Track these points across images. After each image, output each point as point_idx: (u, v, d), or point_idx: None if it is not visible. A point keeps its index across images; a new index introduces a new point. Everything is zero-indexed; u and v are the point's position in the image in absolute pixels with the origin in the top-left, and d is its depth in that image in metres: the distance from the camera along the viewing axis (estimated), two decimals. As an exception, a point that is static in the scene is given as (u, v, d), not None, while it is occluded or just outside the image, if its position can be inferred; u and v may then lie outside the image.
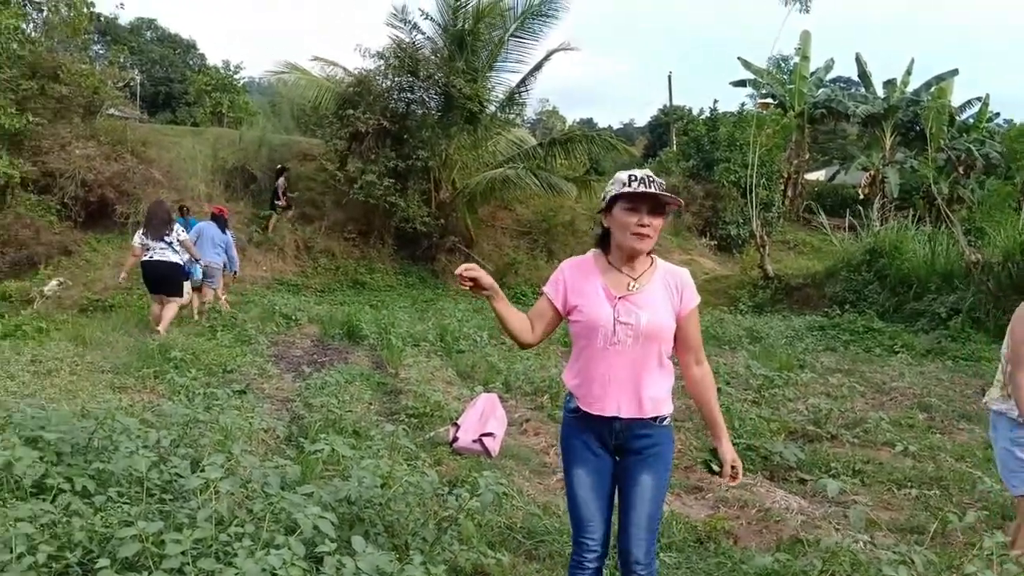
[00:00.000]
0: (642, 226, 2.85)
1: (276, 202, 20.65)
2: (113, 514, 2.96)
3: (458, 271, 2.86)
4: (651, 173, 2.90)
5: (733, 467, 3.03)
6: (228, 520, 2.90)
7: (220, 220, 12.70)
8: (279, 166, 21.23)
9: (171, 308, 10.52)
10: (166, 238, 10.37)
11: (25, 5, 18.78)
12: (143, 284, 11.24)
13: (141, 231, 10.52)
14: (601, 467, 2.97)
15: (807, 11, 19.48)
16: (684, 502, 5.23)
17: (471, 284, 2.84)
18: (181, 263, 10.62)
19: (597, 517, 2.97)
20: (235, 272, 13.45)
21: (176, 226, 10.71)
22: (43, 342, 9.54)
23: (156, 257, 10.34)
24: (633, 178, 2.86)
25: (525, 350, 3.04)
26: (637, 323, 2.87)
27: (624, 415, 2.90)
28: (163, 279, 10.47)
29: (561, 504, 4.88)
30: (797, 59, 29.62)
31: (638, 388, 2.90)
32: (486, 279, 2.85)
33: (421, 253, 20.88)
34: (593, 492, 2.96)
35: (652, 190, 2.83)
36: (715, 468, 3.13)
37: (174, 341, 9.37)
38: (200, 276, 12.01)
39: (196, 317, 12.03)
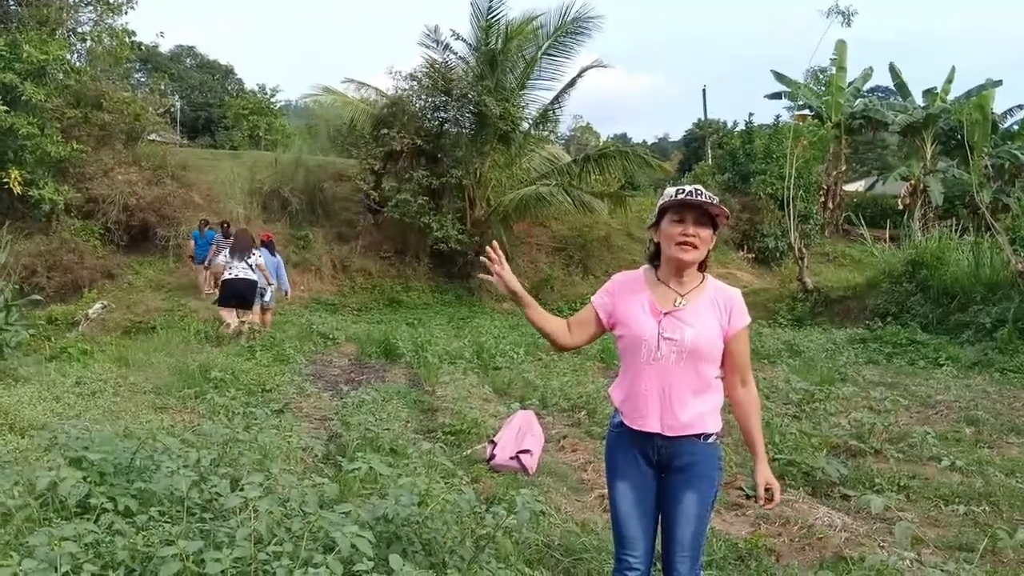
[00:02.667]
0: (686, 235, 2.84)
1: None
2: (154, 533, 2.99)
3: (486, 255, 2.99)
4: (700, 187, 2.90)
5: (767, 489, 2.97)
6: (267, 539, 2.91)
7: (268, 245, 13.53)
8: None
9: (248, 316, 12.00)
10: (247, 260, 11.76)
11: (70, 36, 19.27)
12: (182, 306, 12.86)
13: (226, 252, 12.04)
14: (644, 483, 2.94)
15: (849, 24, 19.20)
16: (725, 519, 5.15)
17: (500, 275, 2.97)
18: (257, 281, 11.99)
19: (639, 534, 2.93)
20: (286, 292, 14.31)
21: (255, 251, 12.08)
22: (88, 364, 9.72)
23: (239, 275, 11.73)
24: (680, 190, 2.88)
25: (560, 353, 3.10)
26: (682, 339, 2.85)
27: (667, 432, 2.87)
28: (240, 294, 11.85)
29: (599, 521, 4.84)
30: (832, 69, 29.31)
31: (681, 405, 2.87)
32: (513, 283, 2.99)
33: (457, 271, 20.96)
34: (636, 508, 2.93)
35: (691, 198, 2.83)
36: (748, 492, 3.09)
37: (214, 361, 9.50)
38: (270, 299, 13.16)
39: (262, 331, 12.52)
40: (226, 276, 11.84)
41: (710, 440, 2.93)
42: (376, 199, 20.58)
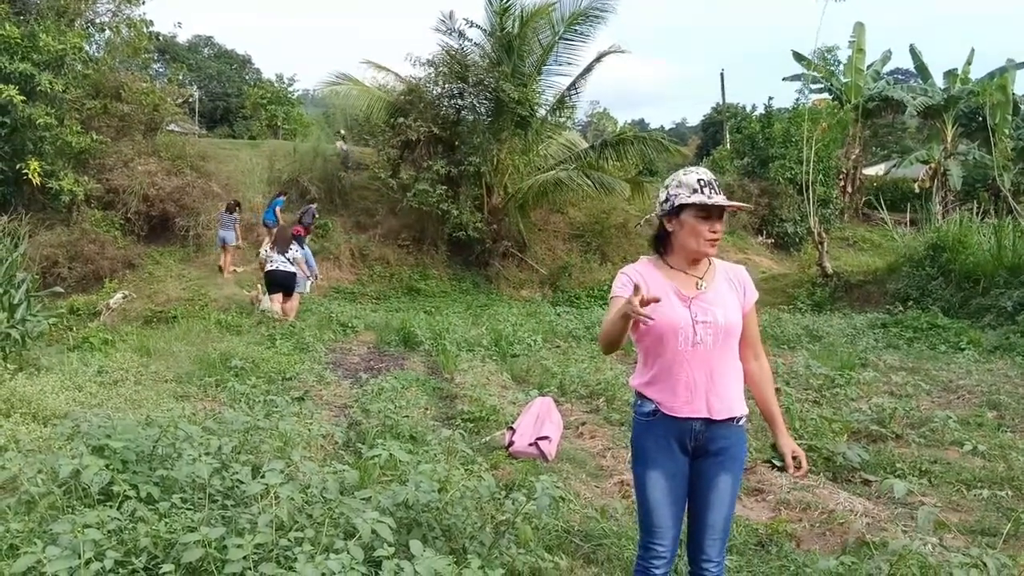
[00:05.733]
0: (715, 232, 2.86)
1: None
2: (177, 520, 3.01)
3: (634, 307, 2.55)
4: (710, 173, 2.91)
5: (795, 458, 2.98)
6: (288, 525, 2.93)
7: (297, 239, 14.26)
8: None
9: (288, 304, 13.29)
10: (286, 254, 13.04)
11: (88, 27, 19.35)
12: (202, 296, 14.43)
13: (268, 245, 13.48)
14: (676, 471, 2.92)
15: None
16: (745, 504, 5.14)
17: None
18: (294, 272, 13.28)
19: (669, 522, 2.92)
20: (316, 276, 15.78)
21: (294, 245, 13.45)
22: (109, 353, 9.80)
23: (278, 267, 12.98)
24: (702, 182, 2.84)
25: (610, 354, 3.05)
26: (715, 321, 2.85)
27: (715, 416, 2.86)
28: (279, 283, 13.18)
29: (619, 507, 4.84)
30: (851, 51, 28.94)
31: (726, 387, 2.88)
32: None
33: (474, 259, 20.94)
34: (668, 496, 2.91)
35: (724, 201, 2.83)
36: (777, 464, 3.08)
37: (235, 350, 9.56)
38: (307, 289, 14.81)
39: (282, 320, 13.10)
40: (268, 268, 13.07)
41: (741, 422, 2.95)
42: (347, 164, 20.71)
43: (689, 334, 2.85)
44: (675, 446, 2.91)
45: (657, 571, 2.91)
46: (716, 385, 2.86)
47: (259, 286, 14.36)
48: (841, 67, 29.85)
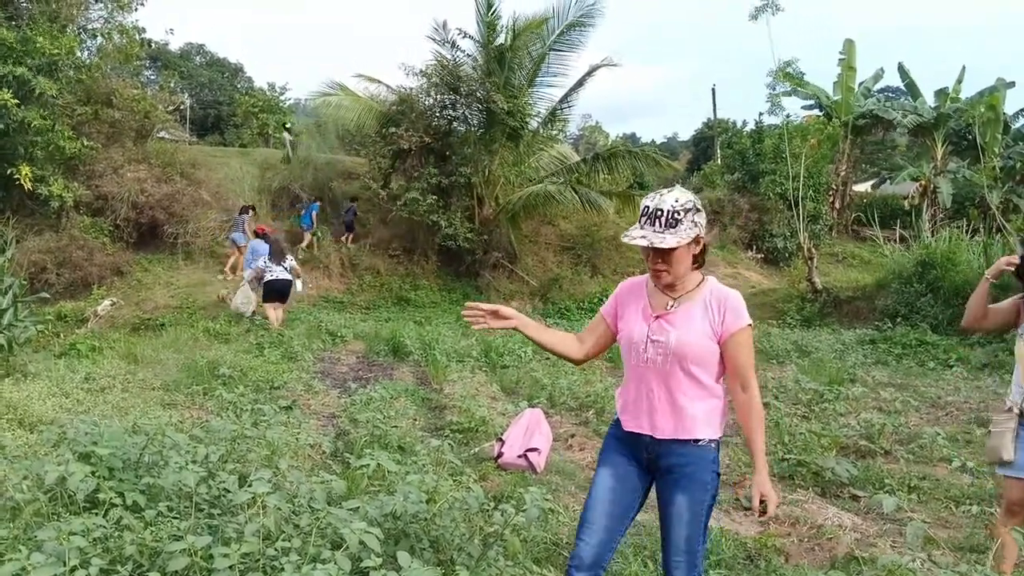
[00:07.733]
0: (654, 268, 2.86)
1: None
2: (163, 528, 2.99)
3: (464, 313, 3.05)
4: (666, 202, 2.77)
5: (762, 502, 2.84)
6: (275, 535, 2.91)
7: (266, 238, 14.36)
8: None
9: (280, 311, 13.69)
10: (283, 263, 13.46)
11: (80, 33, 19.30)
12: (190, 304, 14.46)
13: (266, 257, 13.64)
14: (627, 477, 2.95)
15: (780, 9, 19.49)
16: (733, 519, 5.13)
17: (490, 319, 3.00)
18: (291, 281, 13.70)
19: (601, 521, 2.91)
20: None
21: (288, 256, 13.91)
22: (96, 360, 9.75)
23: (279, 276, 13.37)
24: (647, 210, 2.79)
25: (579, 365, 3.17)
26: (667, 341, 2.85)
27: (656, 435, 2.88)
28: (281, 292, 13.54)
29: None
30: (841, 69, 29.11)
31: (671, 407, 2.86)
32: (505, 310, 2.99)
33: (465, 269, 20.93)
34: (609, 494, 2.93)
35: (644, 242, 2.76)
36: (745, 504, 3.05)
37: (222, 358, 9.51)
38: (300, 289, 15.02)
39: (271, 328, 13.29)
40: (268, 278, 13.39)
41: (701, 443, 2.87)
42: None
43: (641, 351, 2.89)
44: (631, 453, 2.96)
45: (573, 572, 2.89)
46: (663, 404, 2.86)
47: (223, 290, 14.72)
48: (806, 77, 29.92)
